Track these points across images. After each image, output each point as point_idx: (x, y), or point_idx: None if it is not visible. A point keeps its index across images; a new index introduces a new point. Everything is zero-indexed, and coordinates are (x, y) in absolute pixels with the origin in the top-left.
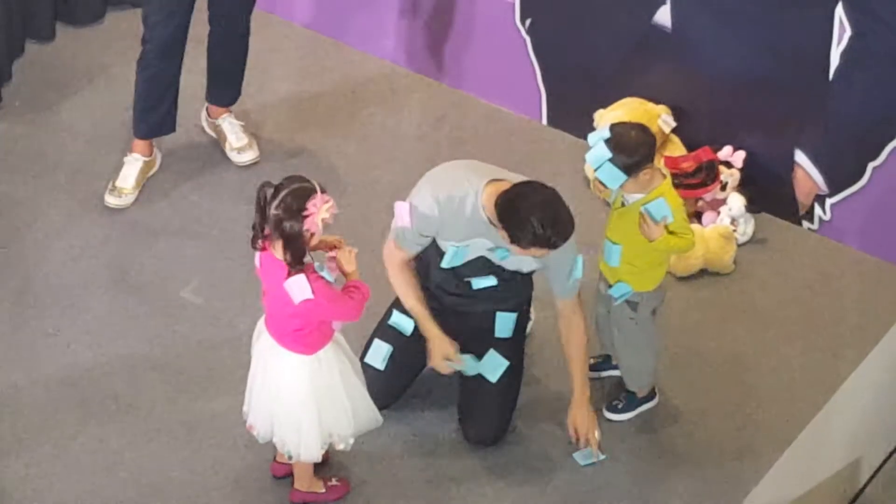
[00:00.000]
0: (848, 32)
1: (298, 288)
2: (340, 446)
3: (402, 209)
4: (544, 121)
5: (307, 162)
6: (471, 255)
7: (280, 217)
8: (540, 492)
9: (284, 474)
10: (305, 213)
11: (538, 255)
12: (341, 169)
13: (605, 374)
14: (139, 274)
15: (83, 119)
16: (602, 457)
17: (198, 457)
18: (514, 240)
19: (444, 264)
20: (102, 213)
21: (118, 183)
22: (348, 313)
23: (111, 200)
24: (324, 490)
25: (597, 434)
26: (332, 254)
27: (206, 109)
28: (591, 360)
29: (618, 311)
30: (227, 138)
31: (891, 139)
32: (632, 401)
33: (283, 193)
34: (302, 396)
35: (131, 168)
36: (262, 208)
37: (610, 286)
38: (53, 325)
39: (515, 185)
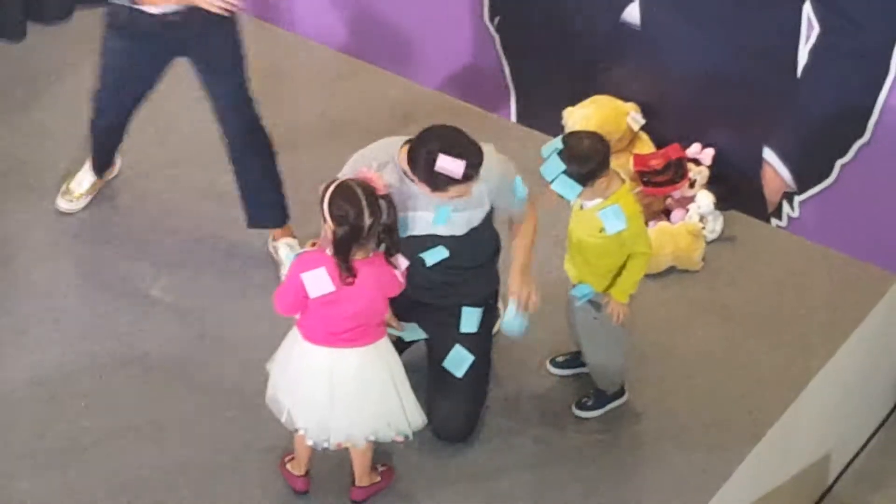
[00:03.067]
0: (816, 30)
1: (403, 260)
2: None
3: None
4: (513, 118)
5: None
6: (414, 231)
7: (379, 220)
8: (508, 488)
9: (308, 488)
10: (381, 192)
11: (461, 195)
12: (309, 166)
13: (574, 371)
14: (108, 272)
15: (53, 117)
16: (526, 324)
17: (167, 455)
18: (432, 185)
19: None
20: (71, 212)
21: (72, 185)
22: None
23: (63, 204)
24: (379, 478)
25: (535, 297)
26: None
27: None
28: (561, 358)
29: (581, 312)
30: (281, 269)
31: (859, 136)
32: (601, 398)
33: (364, 203)
34: (394, 370)
35: (86, 174)
36: (345, 241)
37: (574, 286)
38: (21, 323)
39: (418, 133)
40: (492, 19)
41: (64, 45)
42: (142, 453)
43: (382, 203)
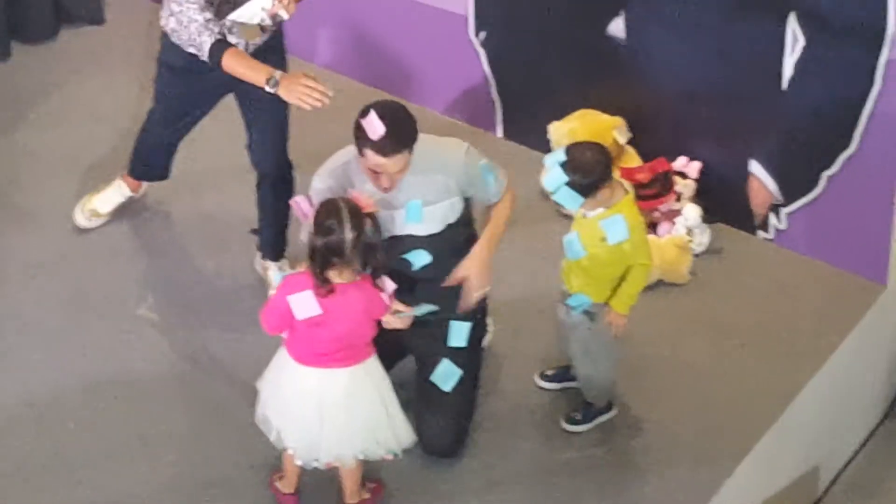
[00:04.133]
0: (801, 42)
1: (389, 283)
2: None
3: (299, 203)
4: (500, 133)
5: None
6: (388, 232)
7: (361, 239)
8: (498, 502)
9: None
10: (366, 210)
11: (382, 171)
12: (297, 184)
13: (563, 385)
14: (95, 292)
15: (38, 138)
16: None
17: (155, 473)
18: (355, 140)
19: None
20: (58, 232)
21: (96, 205)
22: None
23: (82, 221)
24: (369, 495)
25: (478, 295)
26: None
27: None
28: (550, 371)
29: (576, 322)
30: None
31: (844, 148)
32: (590, 412)
33: (346, 218)
34: (382, 389)
35: (116, 195)
36: (332, 255)
37: (569, 296)
38: (9, 343)
39: None
40: (477, 35)
41: (49, 65)
42: (131, 472)
43: (367, 221)
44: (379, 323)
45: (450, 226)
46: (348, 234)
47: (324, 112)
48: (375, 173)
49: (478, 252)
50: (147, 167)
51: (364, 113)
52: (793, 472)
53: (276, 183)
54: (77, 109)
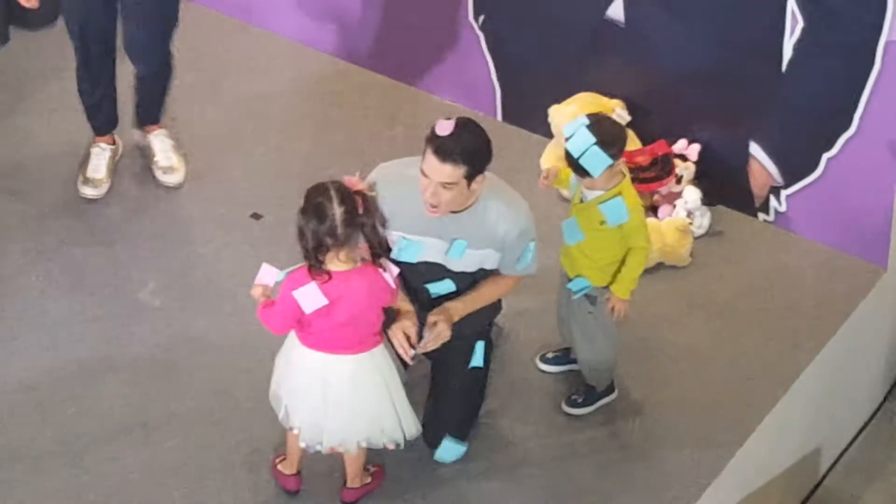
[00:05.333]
0: (800, 24)
1: (391, 264)
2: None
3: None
4: (499, 117)
5: (263, 162)
6: (425, 256)
7: (353, 219)
8: (499, 487)
9: (299, 487)
10: (360, 193)
11: (432, 176)
12: (296, 168)
13: (564, 368)
14: (96, 277)
15: (38, 123)
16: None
17: (157, 458)
18: (426, 141)
19: (394, 255)
20: (58, 217)
21: (90, 174)
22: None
23: (88, 192)
24: (370, 479)
25: (432, 346)
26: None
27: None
28: (552, 354)
29: (576, 306)
30: (154, 156)
31: (844, 130)
32: (591, 395)
33: (335, 203)
34: (388, 379)
35: (100, 159)
36: (320, 240)
37: (570, 280)
38: (10, 328)
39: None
40: (476, 18)
41: (48, 51)
42: (132, 456)
43: (357, 199)
44: (386, 311)
45: (483, 270)
46: (338, 210)
47: (323, 98)
48: (426, 179)
49: (453, 305)
50: (101, 120)
51: (444, 119)
52: (794, 453)
53: (161, 73)
54: (76, 95)
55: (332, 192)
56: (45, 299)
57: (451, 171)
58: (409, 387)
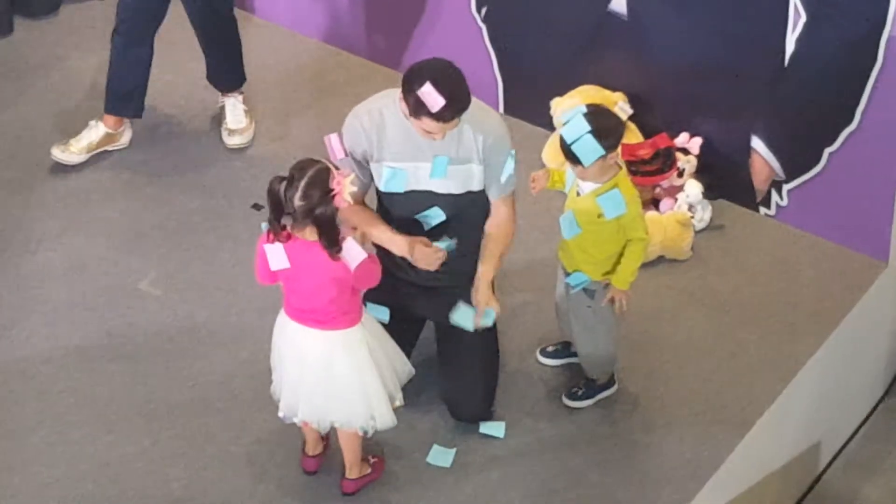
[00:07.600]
0: (803, 18)
1: (355, 252)
2: (396, 403)
3: (331, 141)
4: (501, 109)
5: (264, 152)
6: (412, 185)
7: (310, 206)
8: (499, 478)
9: (317, 468)
10: (333, 193)
11: (432, 134)
12: (297, 159)
13: (564, 361)
14: (97, 266)
15: (40, 112)
16: (488, 321)
17: (157, 448)
18: (410, 108)
19: (382, 187)
20: (59, 207)
21: (71, 139)
22: (378, 277)
23: (56, 153)
24: (370, 470)
25: (496, 306)
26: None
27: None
28: (551, 347)
29: (575, 300)
30: (225, 118)
31: (846, 124)
32: (591, 388)
33: (302, 183)
34: (363, 366)
35: (91, 133)
36: (278, 203)
37: (567, 274)
38: (11, 317)
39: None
40: (478, 10)
41: (51, 40)
42: (131, 446)
43: (313, 192)
44: (375, 293)
45: (470, 196)
46: (278, 186)
47: (324, 87)
48: (428, 132)
49: (480, 274)
50: (123, 98)
51: (419, 80)
52: (794, 448)
53: (224, 22)
54: (77, 84)
55: (290, 173)
56: (45, 289)
57: (455, 122)
58: (417, 375)
